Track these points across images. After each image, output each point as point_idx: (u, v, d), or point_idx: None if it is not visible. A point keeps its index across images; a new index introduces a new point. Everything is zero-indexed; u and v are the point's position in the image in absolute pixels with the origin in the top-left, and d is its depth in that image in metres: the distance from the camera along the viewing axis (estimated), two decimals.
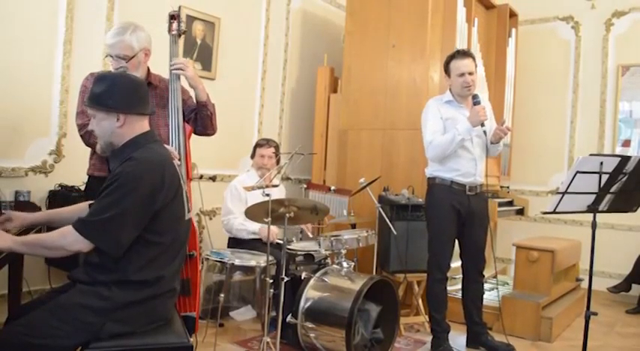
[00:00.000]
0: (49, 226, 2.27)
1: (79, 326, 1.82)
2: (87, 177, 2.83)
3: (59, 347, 1.80)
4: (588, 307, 2.81)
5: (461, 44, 4.42)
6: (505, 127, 3.34)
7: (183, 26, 2.86)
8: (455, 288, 4.06)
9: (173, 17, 2.84)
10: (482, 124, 3.28)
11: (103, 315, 1.84)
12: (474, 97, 3.33)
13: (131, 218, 1.84)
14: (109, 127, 1.95)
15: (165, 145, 2.57)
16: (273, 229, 3.69)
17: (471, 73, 3.35)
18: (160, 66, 2.95)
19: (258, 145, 4.04)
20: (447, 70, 3.44)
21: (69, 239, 1.82)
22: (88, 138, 2.67)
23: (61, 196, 3.33)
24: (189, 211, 2.11)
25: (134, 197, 1.83)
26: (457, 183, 3.40)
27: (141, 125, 2.01)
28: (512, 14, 5.36)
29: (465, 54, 3.39)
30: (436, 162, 3.46)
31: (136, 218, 1.85)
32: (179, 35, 2.87)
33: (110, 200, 1.83)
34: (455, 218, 3.42)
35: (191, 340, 2.00)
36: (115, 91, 1.94)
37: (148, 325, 1.94)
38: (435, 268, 3.48)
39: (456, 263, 3.65)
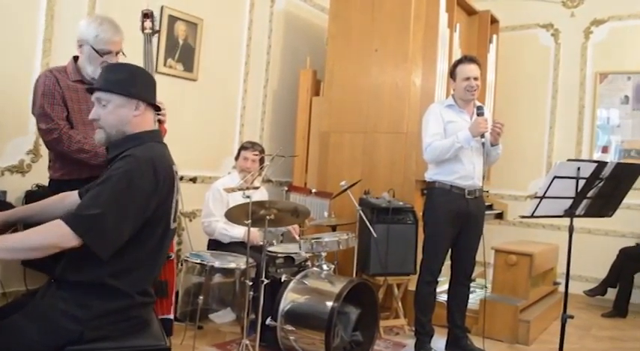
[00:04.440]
0: (26, 224, 2.16)
1: (58, 333, 1.76)
2: (50, 181, 2.73)
3: None
4: (565, 311, 2.84)
5: (442, 50, 4.45)
6: (497, 124, 3.35)
7: (156, 25, 2.78)
8: (439, 290, 4.06)
9: (146, 15, 2.76)
10: (482, 136, 3.32)
11: (82, 323, 1.78)
12: (479, 108, 3.35)
13: (125, 218, 1.73)
14: (126, 115, 1.90)
15: None
16: (256, 232, 3.68)
17: (475, 78, 3.41)
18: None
19: (243, 148, 3.99)
20: (453, 74, 3.50)
21: (62, 237, 1.67)
22: (55, 144, 2.53)
23: (38, 196, 3.22)
24: (174, 221, 2.04)
25: (130, 196, 1.74)
26: (456, 187, 3.42)
27: (151, 121, 1.98)
28: (494, 21, 5.42)
29: (472, 60, 3.46)
30: (433, 164, 3.50)
31: (129, 218, 1.75)
32: (152, 34, 2.79)
33: (106, 196, 1.72)
34: (452, 223, 3.44)
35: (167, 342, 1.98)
36: (137, 81, 1.93)
37: (126, 329, 1.89)
38: (426, 271, 3.50)
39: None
